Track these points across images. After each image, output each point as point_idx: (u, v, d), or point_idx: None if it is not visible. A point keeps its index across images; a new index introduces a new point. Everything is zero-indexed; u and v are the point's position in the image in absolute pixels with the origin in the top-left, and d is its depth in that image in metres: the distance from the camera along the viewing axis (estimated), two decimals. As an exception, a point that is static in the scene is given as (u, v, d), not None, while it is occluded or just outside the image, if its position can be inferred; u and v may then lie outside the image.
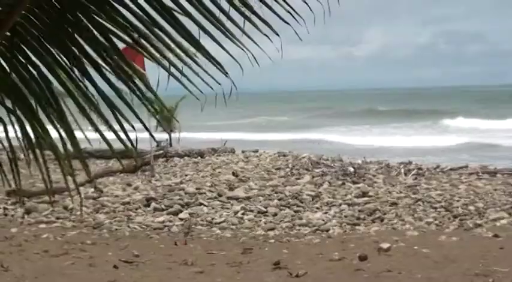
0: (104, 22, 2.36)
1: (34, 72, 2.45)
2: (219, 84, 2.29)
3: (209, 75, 2.32)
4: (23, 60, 2.43)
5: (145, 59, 2.41)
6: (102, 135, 2.46)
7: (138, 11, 2.32)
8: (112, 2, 2.32)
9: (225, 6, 2.27)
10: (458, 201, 12.37)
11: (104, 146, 2.52)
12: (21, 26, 2.33)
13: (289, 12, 2.25)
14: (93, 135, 2.51)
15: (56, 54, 2.42)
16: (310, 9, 2.20)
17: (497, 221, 11.06)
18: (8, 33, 2.32)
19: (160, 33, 2.34)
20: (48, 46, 2.41)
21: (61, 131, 2.48)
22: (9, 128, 2.56)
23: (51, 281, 7.85)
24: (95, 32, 2.37)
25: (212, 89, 2.31)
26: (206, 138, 27.61)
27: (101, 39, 2.38)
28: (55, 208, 11.68)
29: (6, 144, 2.60)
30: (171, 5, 2.29)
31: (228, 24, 2.29)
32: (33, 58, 2.43)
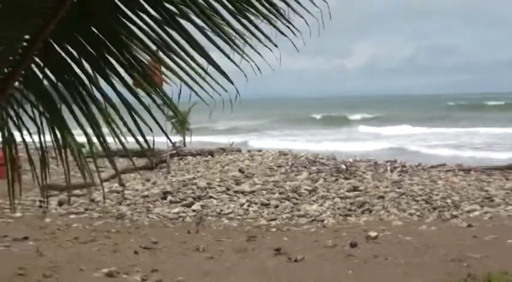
0: (126, 38, 2.35)
1: (65, 79, 2.44)
2: (226, 91, 2.28)
3: (218, 84, 2.31)
4: (54, 69, 2.42)
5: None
6: (120, 140, 2.45)
7: (155, 27, 2.31)
8: (135, 19, 2.31)
9: (231, 20, 2.26)
10: (437, 195, 12.36)
11: (128, 146, 2.51)
12: (52, 37, 2.32)
13: (287, 26, 2.24)
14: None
15: (83, 64, 2.41)
16: (307, 24, 2.19)
17: (471, 213, 11.09)
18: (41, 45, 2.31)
19: (175, 46, 2.33)
20: (77, 56, 2.40)
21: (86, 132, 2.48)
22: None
23: (80, 265, 7.87)
24: (119, 46, 2.36)
25: (220, 95, 2.30)
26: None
27: (125, 52, 2.37)
28: (83, 200, 11.74)
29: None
30: (185, 22, 2.29)
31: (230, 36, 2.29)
32: (63, 67, 2.42)
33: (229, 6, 2.25)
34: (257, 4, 2.24)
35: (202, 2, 2.25)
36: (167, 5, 2.27)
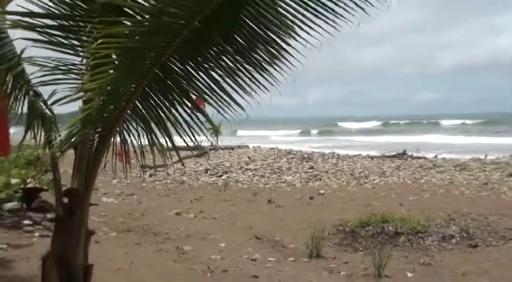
0: (184, 85, 2.36)
1: (152, 109, 2.45)
2: (241, 115, 2.31)
3: (236, 111, 2.33)
4: (146, 103, 2.43)
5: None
6: (184, 140, 2.48)
7: (201, 82, 2.33)
8: (189, 75, 2.33)
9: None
10: (356, 170, 12.38)
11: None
12: (147, 86, 2.31)
13: (274, 81, 2.26)
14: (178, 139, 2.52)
15: (161, 98, 2.41)
16: (286, 79, 2.21)
17: (374, 180, 11.13)
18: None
19: (212, 91, 2.35)
20: (159, 95, 2.40)
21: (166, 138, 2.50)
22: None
23: (162, 209, 7.92)
24: (181, 88, 2.37)
25: (237, 117, 2.33)
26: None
27: (184, 92, 2.37)
28: (163, 173, 11.76)
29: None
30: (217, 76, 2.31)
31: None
32: (151, 102, 2.43)
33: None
34: (259, 69, 2.27)
35: (229, 69, 2.28)
36: (211, 72, 2.30)
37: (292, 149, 18.27)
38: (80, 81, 2.28)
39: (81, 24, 2.29)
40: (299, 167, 13.23)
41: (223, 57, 2.23)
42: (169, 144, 2.49)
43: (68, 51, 2.35)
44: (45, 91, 2.45)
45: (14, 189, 6.16)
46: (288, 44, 2.14)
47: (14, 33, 2.38)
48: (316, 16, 2.03)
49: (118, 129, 2.42)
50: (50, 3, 2.32)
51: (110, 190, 9.28)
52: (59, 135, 2.36)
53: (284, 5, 2.05)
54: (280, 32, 2.13)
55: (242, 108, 2.29)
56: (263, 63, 2.23)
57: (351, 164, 13.83)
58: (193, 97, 2.41)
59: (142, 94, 2.32)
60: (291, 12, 2.06)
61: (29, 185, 6.33)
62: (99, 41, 1.88)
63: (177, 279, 4.25)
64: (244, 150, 18.11)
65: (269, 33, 2.14)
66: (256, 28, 2.13)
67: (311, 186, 10.65)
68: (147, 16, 2.13)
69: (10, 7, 2.50)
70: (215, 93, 2.33)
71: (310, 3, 2.02)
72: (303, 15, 2.04)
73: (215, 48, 2.21)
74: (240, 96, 2.29)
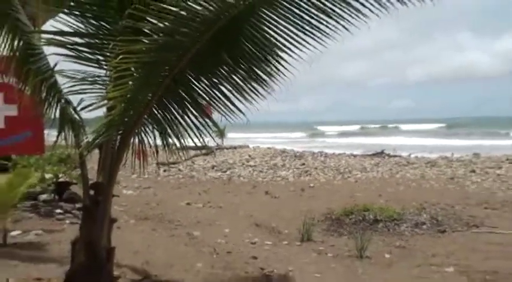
0: (195, 95, 2.37)
1: (166, 115, 2.45)
2: (242, 119, 2.32)
3: (238, 115, 2.34)
4: (161, 110, 2.43)
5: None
6: (194, 141, 2.49)
7: (209, 91, 2.33)
8: (200, 88, 2.33)
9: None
10: (342, 166, 12.35)
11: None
12: (162, 95, 2.31)
13: (271, 90, 2.27)
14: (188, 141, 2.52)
15: (175, 106, 2.42)
16: (281, 89, 2.23)
17: (357, 175, 11.07)
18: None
19: (218, 99, 2.35)
20: (172, 103, 2.41)
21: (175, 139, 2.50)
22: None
23: (175, 199, 7.89)
24: (191, 97, 2.37)
25: (239, 120, 2.33)
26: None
27: (193, 100, 2.38)
28: (175, 169, 11.73)
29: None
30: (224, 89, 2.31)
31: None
32: (165, 109, 2.43)
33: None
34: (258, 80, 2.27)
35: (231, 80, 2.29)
36: (219, 85, 2.31)
37: (285, 148, 18.25)
38: (104, 91, 2.31)
39: (105, 42, 2.32)
40: (292, 163, 13.19)
41: (231, 73, 2.25)
42: (181, 145, 2.50)
43: (94, 65, 2.38)
44: (74, 99, 2.48)
45: (48, 183, 6.20)
46: (283, 59, 2.16)
47: (48, 50, 2.41)
48: (305, 34, 2.05)
49: (137, 131, 2.44)
50: (79, 24, 2.34)
51: (130, 184, 9.25)
52: (86, 137, 2.38)
53: (278, 25, 2.07)
54: (277, 49, 2.15)
55: (243, 114, 2.31)
56: (263, 76, 2.24)
57: (336, 161, 13.77)
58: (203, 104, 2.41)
59: (158, 102, 2.34)
60: (285, 31, 2.07)
61: (61, 179, 6.38)
62: (120, 56, 1.91)
63: (188, 260, 4.25)
64: (245, 149, 18.07)
65: (267, 49, 2.16)
66: (256, 46, 2.15)
67: (302, 180, 10.62)
68: (161, 35, 2.14)
69: (44, 27, 2.52)
70: (221, 102, 2.35)
71: (300, 23, 2.03)
72: (296, 34, 2.06)
73: (223, 65, 2.23)
74: (242, 103, 2.31)
